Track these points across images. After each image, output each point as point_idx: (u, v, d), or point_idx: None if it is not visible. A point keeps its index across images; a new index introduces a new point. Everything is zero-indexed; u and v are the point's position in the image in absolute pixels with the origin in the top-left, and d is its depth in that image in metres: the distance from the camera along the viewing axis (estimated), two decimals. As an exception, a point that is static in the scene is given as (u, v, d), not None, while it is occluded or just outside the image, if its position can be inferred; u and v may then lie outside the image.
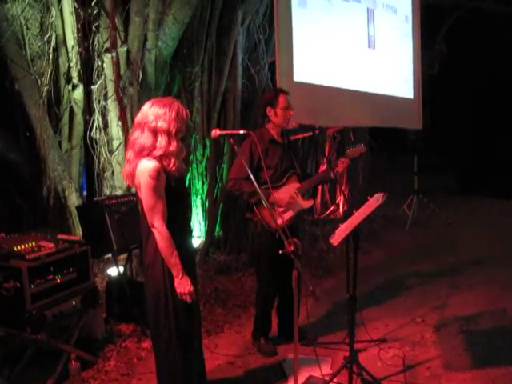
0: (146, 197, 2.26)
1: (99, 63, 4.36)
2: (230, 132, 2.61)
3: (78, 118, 4.62)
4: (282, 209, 3.26)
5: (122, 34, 4.37)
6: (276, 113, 3.27)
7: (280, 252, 2.23)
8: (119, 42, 4.37)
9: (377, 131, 8.20)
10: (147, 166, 2.24)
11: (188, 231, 2.52)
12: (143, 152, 2.27)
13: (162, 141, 2.25)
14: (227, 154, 5.59)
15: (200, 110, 5.49)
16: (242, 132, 2.53)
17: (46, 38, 3.98)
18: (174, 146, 2.26)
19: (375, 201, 2.50)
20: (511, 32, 9.27)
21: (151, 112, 2.28)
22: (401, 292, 4.58)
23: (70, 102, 4.57)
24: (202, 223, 5.86)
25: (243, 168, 3.01)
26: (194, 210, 5.86)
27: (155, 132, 2.26)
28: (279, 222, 3.03)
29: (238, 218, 5.66)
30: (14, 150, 4.91)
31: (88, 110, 4.57)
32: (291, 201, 3.25)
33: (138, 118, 2.32)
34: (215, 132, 2.50)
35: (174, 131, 2.26)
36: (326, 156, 3.20)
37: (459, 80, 10.34)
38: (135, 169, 2.29)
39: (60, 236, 3.12)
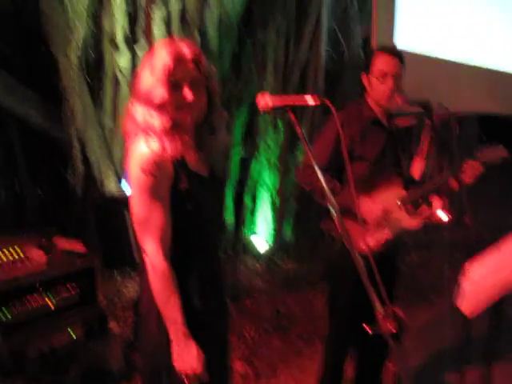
0: (134, 202, 1.37)
1: (145, 22, 3.52)
2: (290, 102, 1.32)
3: (124, 90, 3.83)
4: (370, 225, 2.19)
5: (176, -15, 3.49)
6: (370, 82, 2.20)
7: (371, 331, 1.21)
8: (172, -5, 3.51)
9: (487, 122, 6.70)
10: (140, 152, 1.36)
11: (213, 267, 1.55)
12: (139, 127, 1.40)
13: (138, 108, 1.38)
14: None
15: (273, 86, 4.53)
16: (311, 102, 1.30)
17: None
18: (157, 119, 1.35)
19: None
20: None
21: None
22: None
23: (114, 71, 3.78)
24: (271, 223, 4.95)
25: (322, 152, 2.09)
26: (261, 206, 4.96)
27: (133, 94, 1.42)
28: (364, 247, 1.99)
29: (314, 220, 4.65)
30: (58, 126, 4.26)
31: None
32: (385, 216, 2.15)
33: None
34: (264, 99, 1.30)
35: (148, 94, 1.37)
36: (454, 151, 2.02)
37: None
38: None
39: (58, 241, 2.31)
